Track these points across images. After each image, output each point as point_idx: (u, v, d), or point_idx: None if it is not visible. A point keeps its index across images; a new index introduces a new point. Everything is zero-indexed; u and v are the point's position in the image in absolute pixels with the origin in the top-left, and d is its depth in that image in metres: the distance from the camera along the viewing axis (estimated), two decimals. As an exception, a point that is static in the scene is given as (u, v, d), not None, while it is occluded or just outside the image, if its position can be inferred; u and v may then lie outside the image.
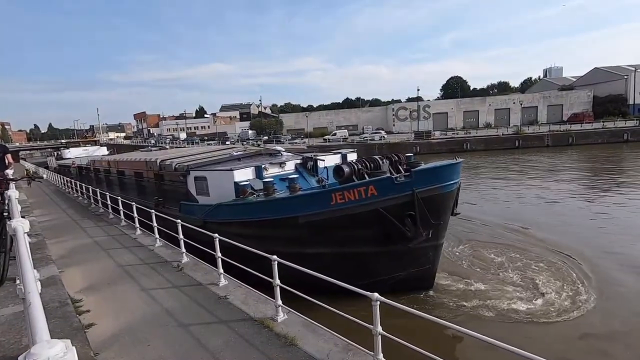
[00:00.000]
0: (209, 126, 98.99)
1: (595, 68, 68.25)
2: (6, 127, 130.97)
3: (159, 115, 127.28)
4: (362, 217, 7.81)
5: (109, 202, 12.73)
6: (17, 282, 2.78)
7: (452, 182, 8.07)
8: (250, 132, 74.91)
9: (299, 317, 5.03)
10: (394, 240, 8.02)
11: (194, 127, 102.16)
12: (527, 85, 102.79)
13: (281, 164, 10.94)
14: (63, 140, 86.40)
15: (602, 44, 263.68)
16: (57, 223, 12.72)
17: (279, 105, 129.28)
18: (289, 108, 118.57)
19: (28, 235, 7.95)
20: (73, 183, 20.25)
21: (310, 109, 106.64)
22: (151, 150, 23.00)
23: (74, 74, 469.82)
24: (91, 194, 15.60)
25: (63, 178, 23.80)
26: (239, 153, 13.10)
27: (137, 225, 10.27)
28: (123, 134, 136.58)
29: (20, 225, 2.63)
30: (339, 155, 12.10)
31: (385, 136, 53.66)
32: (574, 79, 76.48)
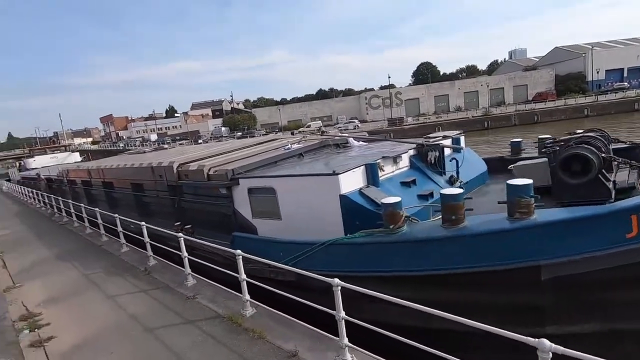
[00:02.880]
0: (180, 125, 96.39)
1: (556, 47, 70.86)
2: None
3: (127, 118, 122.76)
4: None
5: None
6: None
7: None
8: (223, 129, 73.49)
9: (267, 311, 5.00)
10: None
11: (165, 128, 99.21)
12: (494, 67, 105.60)
13: (395, 159, 6.93)
14: (25, 150, 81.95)
15: (564, 24, 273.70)
16: (19, 236, 12.09)
17: (252, 100, 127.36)
18: (262, 102, 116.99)
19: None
20: (40, 195, 17.93)
21: (283, 102, 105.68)
22: (145, 153, 18.20)
23: (33, 80, 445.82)
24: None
25: (25, 189, 22.41)
26: (298, 146, 9.20)
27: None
28: (90, 139, 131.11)
29: None
30: (449, 141, 8.13)
31: (359, 125, 54.00)
32: (537, 59, 79.18)
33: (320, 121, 65.33)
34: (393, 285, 4.77)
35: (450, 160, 7.33)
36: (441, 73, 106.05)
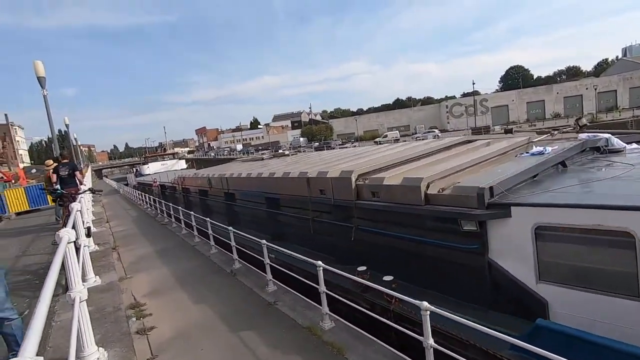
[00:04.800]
0: (262, 136, 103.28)
1: (690, 40, 58.92)
2: (92, 148, 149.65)
3: (217, 129, 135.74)
4: None
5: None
6: (69, 290, 3.01)
7: None
8: (301, 139, 76.55)
9: (346, 326, 4.88)
10: None
11: (249, 138, 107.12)
12: (603, 67, 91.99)
13: None
14: (138, 158, 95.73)
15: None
16: (130, 233, 13.97)
17: (329, 111, 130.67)
18: (339, 113, 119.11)
19: (96, 244, 8.79)
20: (148, 198, 19.05)
21: (359, 112, 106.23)
22: (263, 159, 15.69)
23: (143, 98, 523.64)
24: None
25: (137, 192, 25.53)
26: (548, 151, 5.86)
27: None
28: (187, 149, 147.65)
29: (66, 234, 2.86)
30: None
31: (440, 135, 51.39)
32: (662, 56, 66.87)
33: (397, 131, 64.06)
34: None
35: None
36: (535, 77, 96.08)
